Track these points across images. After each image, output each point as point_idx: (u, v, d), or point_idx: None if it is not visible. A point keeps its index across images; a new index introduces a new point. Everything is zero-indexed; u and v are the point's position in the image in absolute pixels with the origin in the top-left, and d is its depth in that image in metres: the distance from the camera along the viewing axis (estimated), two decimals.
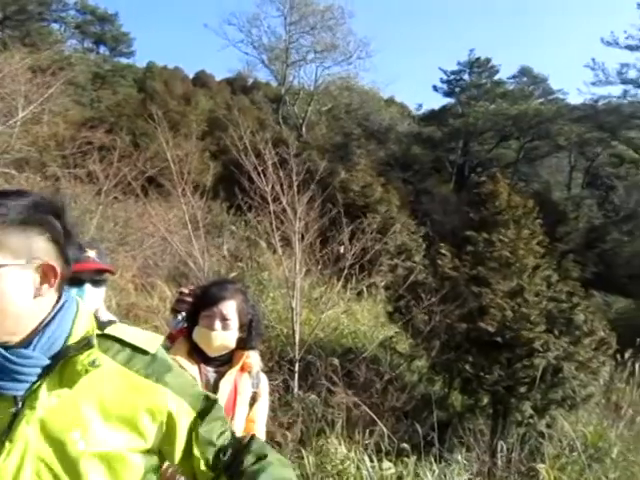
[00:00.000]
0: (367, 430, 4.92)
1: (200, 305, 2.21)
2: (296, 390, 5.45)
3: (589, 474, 5.89)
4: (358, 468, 4.36)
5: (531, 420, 5.77)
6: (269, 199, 5.70)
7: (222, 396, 2.11)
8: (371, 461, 4.44)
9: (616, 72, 30.96)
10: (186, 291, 3.05)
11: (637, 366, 9.61)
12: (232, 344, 2.18)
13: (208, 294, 2.23)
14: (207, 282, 2.32)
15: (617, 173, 33.91)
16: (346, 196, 11.95)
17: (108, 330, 1.16)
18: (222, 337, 2.14)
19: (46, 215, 1.09)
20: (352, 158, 20.98)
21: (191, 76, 41.95)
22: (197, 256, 6.56)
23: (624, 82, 30.93)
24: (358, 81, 32.40)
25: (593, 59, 31.83)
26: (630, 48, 30.35)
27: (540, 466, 5.15)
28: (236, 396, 2.17)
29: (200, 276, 6.21)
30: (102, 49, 36.69)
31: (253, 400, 2.24)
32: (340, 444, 4.67)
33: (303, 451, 4.62)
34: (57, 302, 1.14)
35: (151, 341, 1.19)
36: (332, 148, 24.21)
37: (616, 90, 31.73)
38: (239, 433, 2.19)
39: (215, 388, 2.12)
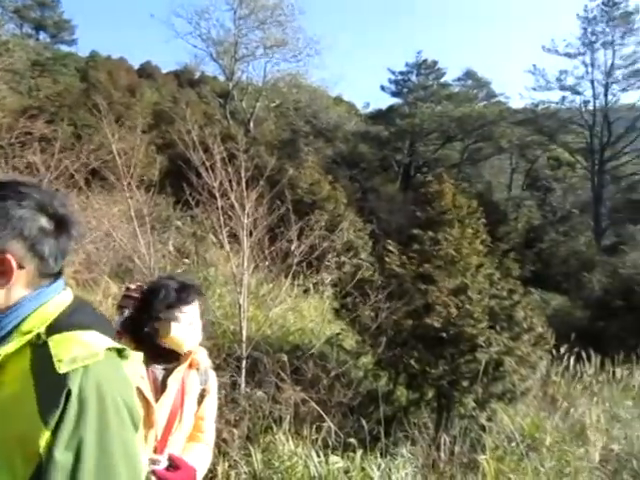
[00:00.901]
0: (314, 426, 4.95)
1: (163, 305, 2.15)
2: (243, 387, 5.42)
3: (526, 463, 6.12)
4: (306, 464, 4.39)
5: (473, 413, 5.94)
6: (217, 195, 5.64)
7: (170, 393, 2.09)
8: (318, 456, 4.47)
9: (555, 78, 32.21)
10: (133, 287, 2.98)
11: (572, 360, 10.05)
12: (196, 345, 2.17)
13: (177, 296, 2.16)
14: (167, 281, 2.24)
15: (555, 175, 35.29)
16: (294, 193, 11.97)
17: (52, 337, 1.11)
18: (192, 340, 2.13)
19: (17, 208, 1.10)
20: (300, 155, 21.03)
21: (136, 67, 41.00)
22: (142, 252, 6.42)
23: (562, 88, 32.25)
24: (307, 78, 32.42)
25: (534, 65, 33.02)
26: (569, 56, 31.67)
27: (481, 457, 5.31)
28: (184, 393, 2.14)
29: (146, 272, 6.08)
30: (42, 36, 35.37)
31: (202, 397, 2.22)
32: (288, 440, 4.68)
33: (251, 448, 4.61)
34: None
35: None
36: (280, 145, 24.17)
37: (555, 96, 32.99)
38: (188, 430, 2.18)
39: (163, 386, 2.09)
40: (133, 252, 6.72)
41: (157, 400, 2.00)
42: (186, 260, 9.63)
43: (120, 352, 1.17)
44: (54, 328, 1.13)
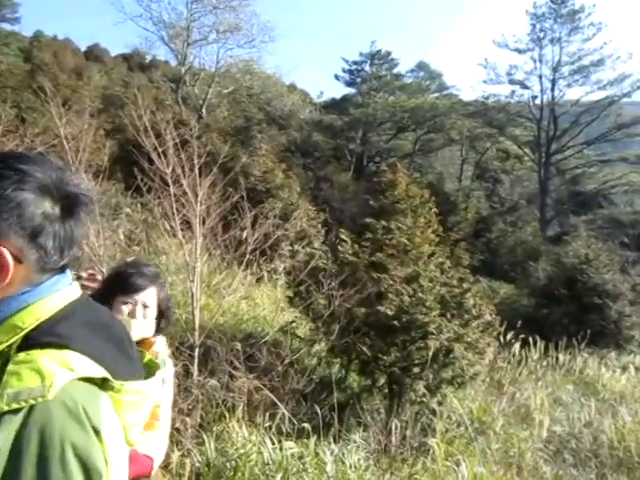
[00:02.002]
0: (268, 413, 4.97)
1: (117, 291, 2.11)
2: (196, 376, 5.38)
3: (475, 446, 6.32)
4: (259, 450, 4.40)
5: (424, 398, 6.07)
6: (170, 181, 5.54)
7: None
8: (272, 443, 4.49)
9: (505, 72, 32.96)
10: (85, 275, 2.91)
11: (517, 346, 10.40)
12: (150, 333, 2.13)
13: (129, 280, 2.14)
14: (123, 266, 2.21)
15: (503, 167, 36.24)
16: (247, 181, 11.87)
17: (18, 355, 0.92)
18: (142, 326, 2.09)
19: (15, 191, 0.91)
20: (253, 143, 20.81)
21: (83, 49, 39.75)
22: (91, 239, 6.26)
23: (512, 82, 33.04)
24: (261, 65, 32.08)
25: (485, 59, 33.70)
26: (518, 51, 32.44)
27: (431, 441, 5.45)
28: None
29: (95, 260, 5.93)
30: None
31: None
32: (241, 428, 4.68)
33: (204, 436, 4.59)
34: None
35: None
36: (233, 132, 23.86)
37: (505, 89, 33.73)
38: (146, 419, 2.16)
39: None
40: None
41: None
42: (136, 248, 9.43)
43: (104, 382, 0.95)
44: (29, 339, 0.93)
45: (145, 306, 2.10)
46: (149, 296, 2.11)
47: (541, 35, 31.69)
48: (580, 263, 16.36)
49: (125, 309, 2.07)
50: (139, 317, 2.08)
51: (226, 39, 30.15)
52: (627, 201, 33.90)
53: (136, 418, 1.02)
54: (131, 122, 6.37)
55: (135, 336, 2.09)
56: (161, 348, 2.22)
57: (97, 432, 0.90)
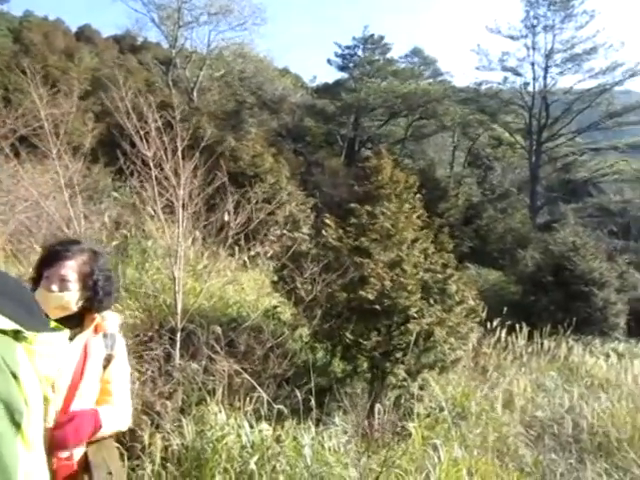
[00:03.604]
0: (248, 397, 4.99)
1: (42, 265, 2.12)
2: (177, 359, 5.39)
3: (456, 431, 6.39)
4: (238, 433, 4.42)
5: (405, 383, 6.12)
6: (151, 164, 5.50)
7: (72, 359, 2.06)
8: (251, 427, 4.51)
9: (498, 59, 32.83)
10: None
11: (503, 333, 10.48)
12: (71, 305, 2.10)
13: (49, 254, 2.15)
14: (52, 242, 2.23)
15: (495, 154, 36.23)
16: (236, 165, 11.81)
17: None
18: (59, 298, 2.07)
19: None
20: (244, 127, 20.72)
21: (74, 30, 39.25)
22: (75, 223, 6.23)
23: (504, 69, 32.92)
24: (253, 48, 31.79)
25: (478, 45, 33.54)
26: (511, 37, 32.29)
27: (411, 425, 5.49)
28: (86, 359, 2.11)
29: None
30: None
31: (107, 362, 2.19)
32: (220, 411, 4.70)
33: (183, 419, 4.61)
34: None
35: None
36: (224, 115, 23.72)
37: (497, 76, 33.67)
38: (93, 395, 2.15)
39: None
40: (65, 223, 6.51)
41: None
42: (123, 232, 9.39)
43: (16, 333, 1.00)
44: None
45: (63, 280, 2.08)
46: (67, 270, 2.10)
47: (534, 22, 31.55)
48: (568, 251, 16.45)
49: (44, 282, 2.07)
50: (55, 290, 2.07)
51: (218, 21, 29.89)
52: (617, 190, 34.07)
53: (49, 369, 1.10)
54: (115, 105, 6.30)
55: (55, 309, 2.07)
56: (110, 324, 2.22)
57: (15, 377, 0.96)
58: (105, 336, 2.20)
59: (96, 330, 2.19)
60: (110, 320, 2.22)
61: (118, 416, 2.18)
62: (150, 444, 4.28)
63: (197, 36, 32.87)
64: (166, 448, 4.38)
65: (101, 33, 42.47)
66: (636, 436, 7.43)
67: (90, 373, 2.11)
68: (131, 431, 4.37)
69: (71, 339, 2.10)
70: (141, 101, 6.37)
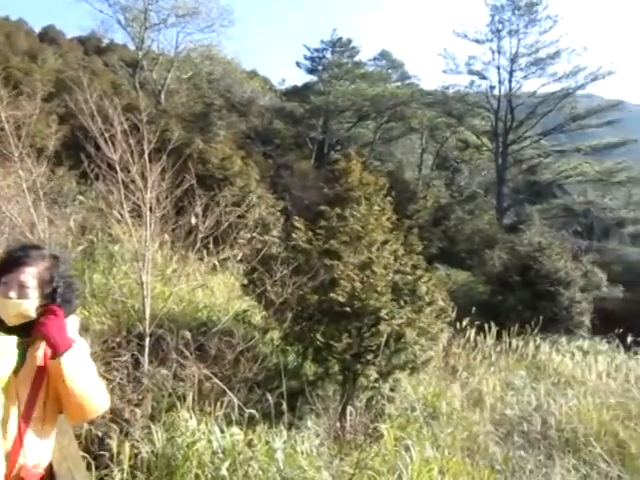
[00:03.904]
0: (219, 402, 4.94)
1: (1, 271, 2.06)
2: (146, 366, 5.30)
3: (427, 430, 6.43)
4: (209, 439, 4.38)
5: (376, 384, 6.13)
6: (117, 168, 5.41)
7: (32, 365, 2.01)
8: (222, 432, 4.47)
9: (464, 63, 33.30)
10: None
11: (472, 332, 10.61)
12: (30, 313, 2.05)
13: (8, 260, 2.09)
14: (12, 247, 2.17)
15: (462, 157, 36.71)
16: (204, 168, 11.71)
17: None
18: (17, 305, 2.02)
19: None
20: (212, 129, 20.54)
21: (37, 31, 38.46)
22: (39, 227, 6.09)
23: (471, 73, 33.45)
24: (221, 50, 31.60)
25: (445, 49, 33.91)
26: (477, 41, 32.77)
27: (382, 426, 5.51)
28: (47, 363, 2.07)
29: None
30: None
31: None
32: (191, 417, 4.64)
33: (153, 427, 4.54)
34: None
35: None
36: (192, 118, 23.50)
37: (464, 79, 34.08)
38: (57, 402, 2.09)
39: (23, 358, 2.01)
40: (29, 228, 6.36)
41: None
42: (89, 236, 9.21)
43: None
44: None
45: (22, 286, 2.04)
46: (26, 276, 2.05)
47: (500, 26, 32.08)
48: (534, 251, 16.74)
49: (2, 288, 2.02)
50: (12, 296, 2.02)
51: (185, 23, 29.62)
52: (580, 191, 34.83)
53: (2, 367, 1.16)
54: (79, 107, 6.18)
55: (13, 316, 2.02)
56: (69, 329, 2.17)
57: None
58: None
59: None
60: (70, 324, 2.17)
61: (88, 377, 2.11)
62: (119, 452, 4.21)
63: (164, 38, 32.37)
64: (135, 456, 4.31)
65: (65, 34, 41.69)
66: (602, 431, 7.59)
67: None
68: (99, 439, 4.29)
69: (31, 345, 2.04)
70: (106, 103, 6.27)
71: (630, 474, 6.24)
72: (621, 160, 32.66)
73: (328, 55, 36.57)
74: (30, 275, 2.04)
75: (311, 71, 37.40)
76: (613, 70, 31.25)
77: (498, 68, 32.47)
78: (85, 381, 2.05)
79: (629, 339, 13.04)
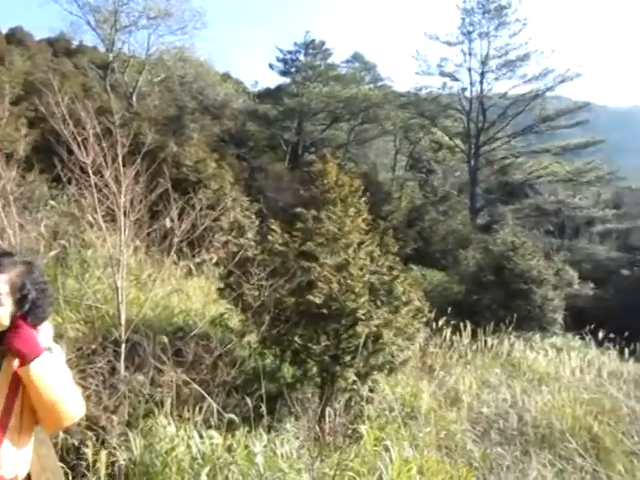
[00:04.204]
0: (198, 407, 4.90)
1: None
2: (122, 372, 5.23)
3: (406, 430, 6.47)
4: (188, 445, 4.34)
5: (355, 386, 6.15)
6: (90, 172, 5.33)
7: (8, 373, 1.97)
8: (201, 437, 4.43)
9: (436, 65, 33.63)
10: None
11: (448, 332, 10.72)
12: (4, 320, 2.02)
13: None
14: None
15: (435, 158, 37.05)
16: (178, 171, 11.61)
17: None
18: None
19: None
20: (186, 132, 20.38)
21: (4, 32, 37.70)
22: (9, 232, 5.96)
23: (443, 75, 33.72)
24: (193, 53, 31.32)
25: (417, 51, 34.19)
26: (449, 44, 33.12)
27: (361, 427, 5.53)
28: (17, 371, 2.03)
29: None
30: None
31: None
32: (169, 423, 4.60)
33: (130, 434, 4.48)
34: None
35: None
36: (165, 121, 23.25)
37: (436, 81, 34.37)
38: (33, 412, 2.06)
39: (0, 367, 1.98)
40: None
41: None
42: (61, 241, 9.06)
43: None
44: None
45: None
46: None
47: (470, 29, 32.44)
48: (507, 250, 16.99)
49: None
50: None
51: (157, 25, 29.26)
52: (551, 190, 35.44)
53: None
54: (51, 110, 6.08)
55: None
56: (45, 335, 2.14)
57: None
58: None
59: None
60: (44, 332, 2.13)
61: (63, 384, 2.07)
62: (95, 461, 4.14)
63: (135, 40, 31.85)
64: (112, 464, 4.25)
65: (34, 36, 40.92)
66: (576, 426, 7.74)
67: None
68: (75, 448, 4.22)
69: (6, 355, 2.00)
70: (78, 106, 6.18)
71: (604, 467, 6.35)
72: (590, 160, 33.31)
73: (301, 57, 36.58)
74: (2, 282, 2.00)
75: (284, 73, 37.36)
76: (580, 72, 31.90)
77: (469, 70, 32.87)
78: (57, 388, 2.02)
79: (600, 335, 13.31)
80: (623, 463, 6.68)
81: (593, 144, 32.99)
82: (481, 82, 32.83)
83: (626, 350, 12.62)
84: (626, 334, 12.96)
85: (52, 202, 11.98)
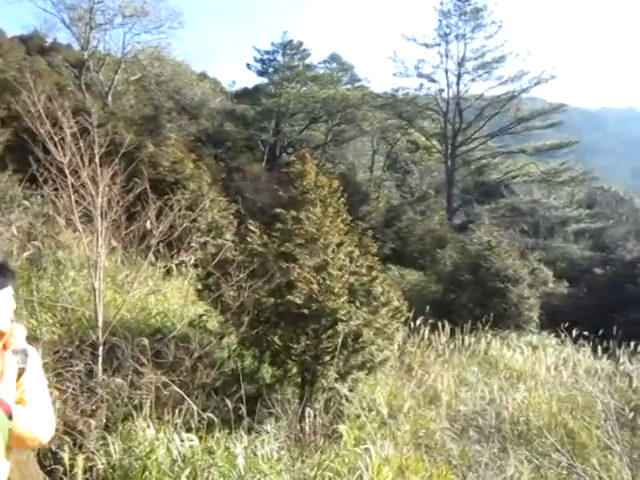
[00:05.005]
0: (178, 409, 4.86)
1: None
2: (100, 375, 5.17)
3: (385, 429, 6.50)
4: (168, 447, 4.30)
5: (335, 384, 6.16)
6: (67, 172, 5.25)
7: None
8: (181, 440, 4.40)
9: (414, 66, 33.83)
10: None
11: (426, 331, 10.80)
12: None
13: None
14: None
15: (413, 158, 37.31)
16: (155, 172, 11.50)
17: None
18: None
19: None
20: (162, 132, 20.20)
21: None
22: None
23: (420, 76, 33.94)
24: (170, 52, 31.04)
25: (394, 52, 34.37)
26: (426, 45, 33.35)
27: (341, 427, 5.54)
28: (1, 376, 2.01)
29: None
30: None
31: (19, 376, 2.10)
32: (149, 426, 4.55)
33: (108, 437, 4.43)
34: None
35: None
36: (141, 120, 23.00)
37: (414, 82, 34.56)
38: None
39: None
40: None
41: None
42: (35, 243, 8.91)
43: None
44: None
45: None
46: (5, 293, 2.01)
47: (447, 31, 32.72)
48: (484, 250, 17.18)
49: None
50: None
51: (132, 24, 28.94)
52: (526, 191, 35.92)
53: None
54: (26, 109, 5.97)
55: None
56: (18, 339, 2.12)
57: None
58: (15, 352, 2.09)
59: (4, 347, 2.08)
60: (17, 334, 2.11)
61: (35, 416, 2.04)
62: (72, 466, 4.08)
63: (111, 38, 31.46)
64: (91, 469, 4.19)
65: (5, 33, 40.16)
66: (553, 422, 7.86)
67: (5, 390, 2.00)
68: (52, 453, 4.16)
69: None
70: (54, 105, 6.08)
71: (580, 462, 6.46)
72: (564, 161, 33.85)
73: (279, 57, 36.50)
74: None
75: (262, 73, 37.24)
76: (555, 75, 32.39)
77: (446, 71, 33.16)
78: (27, 419, 1.99)
79: (574, 333, 13.53)
80: (598, 458, 6.81)
81: (567, 145, 33.55)
82: (458, 83, 33.19)
83: (599, 348, 12.85)
84: (600, 332, 13.17)
85: (26, 202, 11.78)
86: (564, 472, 6.41)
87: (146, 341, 5.38)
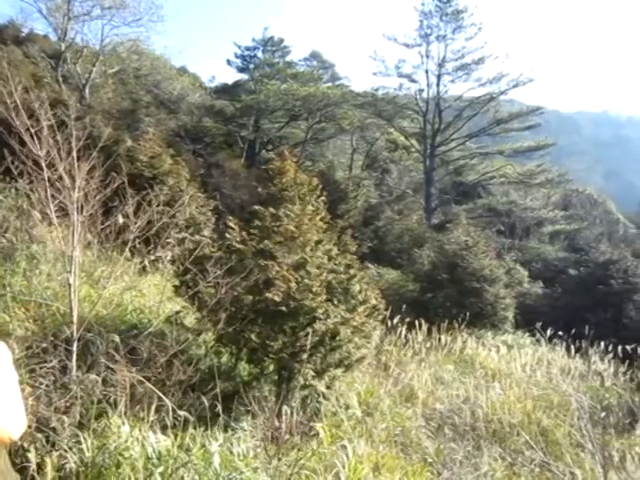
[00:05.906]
0: (153, 406, 4.81)
1: None
2: (74, 371, 5.09)
3: (362, 427, 6.53)
4: (142, 445, 4.26)
5: (312, 382, 6.16)
6: (43, 165, 5.16)
7: None
8: (156, 438, 4.36)
9: (394, 66, 34.01)
10: None
11: (404, 330, 10.86)
12: None
13: None
14: None
15: (392, 157, 37.52)
16: (133, 166, 11.35)
17: None
18: None
19: None
20: (140, 126, 19.99)
21: None
22: None
23: (400, 76, 34.17)
24: (149, 46, 30.72)
25: (375, 51, 34.51)
26: (407, 45, 33.57)
27: (318, 425, 5.55)
28: None
29: None
30: None
31: None
32: (123, 423, 4.50)
33: (81, 435, 4.37)
34: None
35: None
36: (119, 114, 22.75)
37: (394, 82, 34.73)
38: None
39: None
40: None
41: None
42: (7, 236, 8.74)
43: None
44: None
45: None
46: None
47: (428, 32, 32.97)
48: (461, 250, 17.34)
49: None
50: None
51: (111, 15, 28.52)
52: (503, 192, 36.37)
53: None
54: (1, 100, 5.86)
55: None
56: None
57: None
58: None
59: None
60: None
61: (4, 412, 2.00)
62: (43, 463, 4.02)
63: (89, 30, 31.00)
64: (62, 466, 4.13)
65: None
66: (526, 420, 7.97)
67: None
68: (24, 450, 4.09)
69: None
70: (31, 96, 5.97)
71: (553, 460, 6.57)
72: (540, 163, 34.33)
73: (259, 54, 36.40)
74: None
75: (242, 69, 37.10)
76: (532, 77, 32.83)
77: (426, 72, 33.41)
78: None
79: (549, 332, 13.73)
80: (571, 455, 6.93)
81: (544, 147, 34.04)
82: (437, 84, 33.47)
83: (572, 347, 13.06)
84: (572, 331, 13.40)
85: None
86: (537, 469, 6.52)
87: (117, 338, 5.31)
